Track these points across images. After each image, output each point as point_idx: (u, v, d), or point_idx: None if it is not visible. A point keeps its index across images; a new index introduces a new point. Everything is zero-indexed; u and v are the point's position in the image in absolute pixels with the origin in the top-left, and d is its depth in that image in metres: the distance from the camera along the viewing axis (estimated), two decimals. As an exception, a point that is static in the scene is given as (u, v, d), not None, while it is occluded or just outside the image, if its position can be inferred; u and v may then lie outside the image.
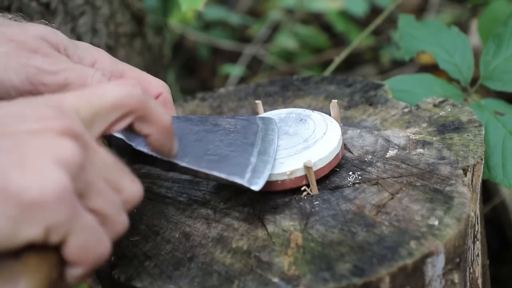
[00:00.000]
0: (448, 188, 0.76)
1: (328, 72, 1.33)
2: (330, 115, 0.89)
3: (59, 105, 0.61)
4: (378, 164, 0.82)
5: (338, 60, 1.33)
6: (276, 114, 0.89)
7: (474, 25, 1.88)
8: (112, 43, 1.29)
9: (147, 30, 1.43)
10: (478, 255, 0.86)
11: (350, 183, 0.80)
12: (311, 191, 0.79)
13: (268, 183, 0.77)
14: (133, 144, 0.73)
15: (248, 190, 0.73)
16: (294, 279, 0.67)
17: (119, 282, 0.72)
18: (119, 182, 0.62)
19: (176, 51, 2.33)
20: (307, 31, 2.26)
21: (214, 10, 2.33)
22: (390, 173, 0.80)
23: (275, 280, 0.68)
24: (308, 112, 0.87)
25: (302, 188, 0.79)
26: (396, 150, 0.85)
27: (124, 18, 1.33)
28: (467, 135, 0.86)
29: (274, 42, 2.29)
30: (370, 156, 0.84)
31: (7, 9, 1.11)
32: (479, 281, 0.86)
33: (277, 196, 0.80)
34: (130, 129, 0.71)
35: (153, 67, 1.44)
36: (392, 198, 0.76)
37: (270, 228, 0.75)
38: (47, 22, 0.80)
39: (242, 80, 2.19)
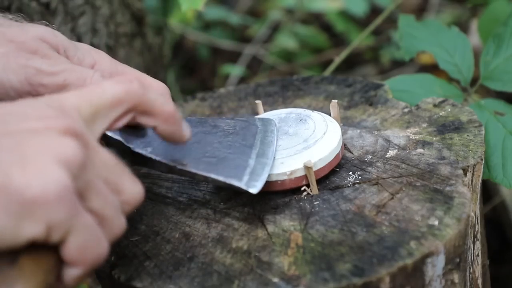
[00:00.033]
0: (448, 188, 0.76)
1: (328, 72, 1.33)
2: (330, 115, 0.89)
3: (60, 104, 0.61)
4: (378, 164, 0.82)
5: (338, 60, 1.33)
6: (276, 114, 0.89)
7: (474, 25, 1.88)
8: (112, 43, 1.29)
9: (147, 30, 1.43)
10: (478, 255, 0.86)
11: (350, 183, 0.80)
12: (311, 191, 0.79)
13: (268, 183, 0.77)
14: (132, 146, 0.73)
15: (246, 193, 0.73)
16: (294, 279, 0.67)
17: (119, 282, 0.72)
18: (120, 183, 0.62)
19: (176, 51, 2.33)
20: (307, 31, 2.26)
21: (214, 10, 2.33)
22: (390, 173, 0.80)
23: (275, 280, 0.68)
24: (308, 112, 0.87)
25: (302, 188, 0.79)
26: (396, 150, 0.85)
27: (124, 18, 1.33)
28: (467, 135, 0.86)
29: (274, 42, 2.29)
30: (370, 156, 0.84)
31: (7, 9, 1.11)
32: (479, 281, 0.86)
33: (277, 196, 0.80)
34: (128, 131, 0.71)
35: (153, 67, 1.44)
36: (392, 198, 0.76)
37: (270, 228, 0.75)
38: (47, 22, 0.80)
39: (242, 80, 2.19)
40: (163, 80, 0.84)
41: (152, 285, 0.70)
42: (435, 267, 0.71)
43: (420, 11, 2.34)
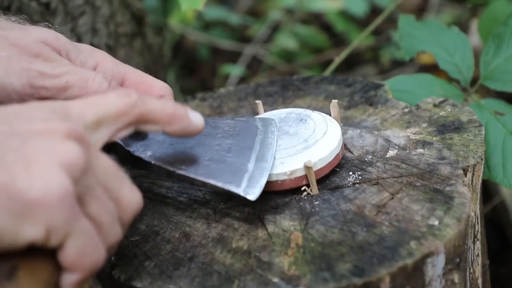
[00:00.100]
0: (448, 188, 0.76)
1: (328, 72, 1.33)
2: (330, 115, 0.89)
3: (65, 110, 0.62)
4: (378, 164, 0.82)
5: (338, 60, 1.33)
6: (276, 114, 0.89)
7: (474, 25, 1.88)
8: (112, 43, 1.29)
9: (147, 30, 1.42)
10: (478, 255, 0.86)
11: (350, 183, 0.80)
12: (311, 191, 0.79)
13: (268, 183, 0.76)
14: (131, 150, 0.74)
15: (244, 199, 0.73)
16: (294, 279, 0.67)
17: (119, 282, 0.72)
18: (118, 190, 0.62)
19: (176, 51, 2.33)
20: (307, 31, 2.26)
21: (214, 10, 2.33)
22: (390, 173, 0.80)
23: (275, 280, 0.68)
24: (308, 112, 0.87)
25: (302, 188, 0.79)
26: (396, 150, 0.85)
27: (124, 18, 1.32)
28: (467, 135, 0.86)
29: (274, 42, 2.29)
30: (370, 156, 0.84)
31: (7, 9, 1.11)
32: (479, 281, 0.86)
33: (277, 196, 0.80)
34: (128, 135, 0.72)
35: (153, 67, 1.44)
36: (392, 198, 0.76)
37: (270, 228, 0.75)
38: (50, 24, 0.81)
39: (242, 80, 2.19)
40: (163, 80, 0.84)
41: (152, 285, 0.70)
42: (435, 267, 0.71)
43: (420, 11, 2.34)
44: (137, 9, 1.36)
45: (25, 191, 0.53)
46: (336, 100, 0.90)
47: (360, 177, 0.81)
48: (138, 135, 0.73)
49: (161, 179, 0.87)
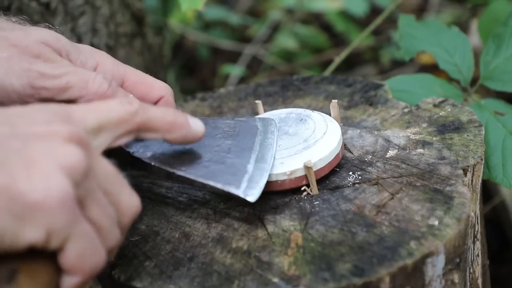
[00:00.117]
0: (448, 188, 0.76)
1: (328, 72, 1.33)
2: (330, 115, 0.89)
3: (68, 113, 0.62)
4: (378, 164, 0.82)
5: (338, 60, 1.33)
6: (276, 114, 0.89)
7: (474, 25, 1.88)
8: (112, 43, 1.29)
9: (147, 30, 1.43)
10: (478, 255, 0.86)
11: (350, 183, 0.80)
12: (311, 191, 0.79)
13: (268, 183, 0.76)
14: (131, 151, 0.74)
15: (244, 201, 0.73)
16: (294, 279, 0.67)
17: (119, 282, 0.72)
18: (118, 194, 0.63)
19: (176, 51, 2.33)
20: (307, 31, 2.26)
21: (214, 10, 2.33)
22: (390, 173, 0.80)
23: (275, 280, 0.68)
24: (308, 112, 0.87)
25: (302, 188, 0.79)
26: (396, 150, 0.85)
27: (124, 18, 1.32)
28: (467, 135, 0.86)
29: (274, 42, 2.29)
30: (370, 156, 0.84)
31: (7, 9, 1.11)
32: (479, 281, 0.86)
33: (277, 196, 0.80)
34: None
35: (153, 67, 1.44)
36: (392, 198, 0.76)
37: (270, 228, 0.75)
38: (50, 25, 0.81)
39: (242, 80, 2.19)
40: (163, 80, 0.84)
41: (152, 285, 0.70)
42: (435, 267, 0.71)
43: (420, 11, 2.34)
44: (137, 9, 1.36)
45: (25, 193, 0.54)
46: (336, 100, 0.90)
47: (360, 177, 0.81)
48: None
49: (161, 179, 0.87)
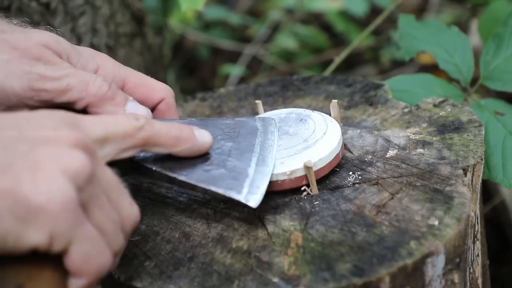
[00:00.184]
0: (448, 188, 0.76)
1: (328, 72, 1.33)
2: (330, 115, 0.89)
3: (75, 120, 0.63)
4: (378, 164, 0.82)
5: (338, 60, 1.33)
6: (276, 114, 0.89)
7: (474, 25, 1.88)
8: (112, 43, 1.29)
9: (147, 30, 1.43)
10: (478, 255, 0.86)
11: (350, 183, 0.80)
12: (311, 191, 0.79)
13: (268, 183, 0.76)
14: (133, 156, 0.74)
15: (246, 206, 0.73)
16: (294, 279, 0.67)
17: (119, 282, 0.72)
18: (119, 202, 0.63)
19: (176, 51, 2.33)
20: (307, 31, 2.26)
21: (214, 10, 2.33)
22: (390, 173, 0.80)
23: (275, 280, 0.68)
24: (308, 112, 0.87)
25: (302, 188, 0.79)
26: (396, 150, 0.85)
27: (124, 18, 1.33)
28: (467, 135, 0.86)
29: (274, 42, 2.29)
30: (370, 156, 0.84)
31: (7, 9, 1.11)
32: (479, 281, 0.86)
33: (277, 196, 0.80)
34: None
35: (153, 67, 1.44)
36: (392, 198, 0.76)
37: (270, 228, 0.75)
38: (51, 28, 0.81)
39: (242, 80, 2.19)
40: (163, 80, 0.84)
41: (152, 285, 0.70)
42: (435, 267, 0.71)
43: (420, 11, 2.34)
44: (137, 9, 1.37)
45: (30, 196, 0.54)
46: (336, 100, 0.90)
47: (360, 177, 0.81)
48: None
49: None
